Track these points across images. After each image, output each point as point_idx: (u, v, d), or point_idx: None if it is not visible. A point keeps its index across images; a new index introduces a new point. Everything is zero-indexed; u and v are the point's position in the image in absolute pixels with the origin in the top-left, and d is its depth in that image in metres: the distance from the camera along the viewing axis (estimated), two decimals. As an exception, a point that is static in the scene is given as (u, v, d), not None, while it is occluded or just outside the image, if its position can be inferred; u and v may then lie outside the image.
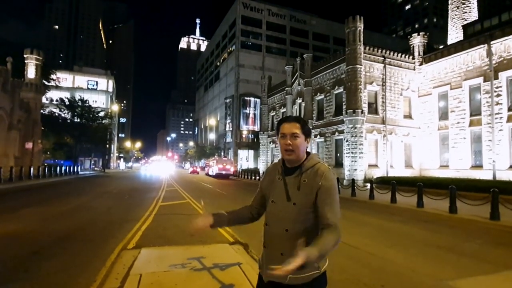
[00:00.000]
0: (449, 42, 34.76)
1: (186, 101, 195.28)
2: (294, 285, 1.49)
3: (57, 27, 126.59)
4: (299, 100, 30.73)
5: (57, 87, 43.48)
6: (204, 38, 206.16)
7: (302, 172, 1.58)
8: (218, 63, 73.76)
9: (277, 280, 1.50)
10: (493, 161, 19.28)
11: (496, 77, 19.53)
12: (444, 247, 5.93)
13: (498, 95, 19.50)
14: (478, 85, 20.75)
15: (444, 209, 9.68)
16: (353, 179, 15.85)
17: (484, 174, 19.32)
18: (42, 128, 31.90)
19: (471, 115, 21.27)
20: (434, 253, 5.56)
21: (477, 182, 15.31)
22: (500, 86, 19.40)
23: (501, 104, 19.39)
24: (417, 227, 8.06)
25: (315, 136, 27.69)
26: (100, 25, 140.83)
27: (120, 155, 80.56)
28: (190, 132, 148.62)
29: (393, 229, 7.78)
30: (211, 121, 67.84)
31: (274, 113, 37.37)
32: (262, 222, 1.68)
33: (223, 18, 71.11)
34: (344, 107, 23.67)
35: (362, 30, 22.95)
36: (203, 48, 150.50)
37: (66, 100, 41.55)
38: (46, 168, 25.76)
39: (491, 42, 19.77)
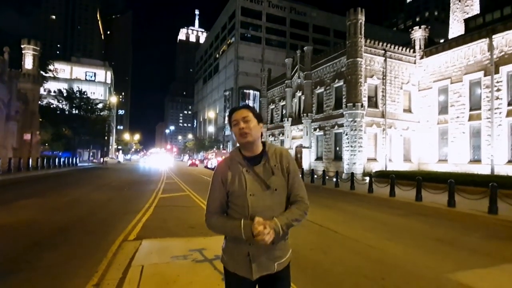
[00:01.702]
0: (451, 35, 34.51)
1: (185, 93, 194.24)
2: (277, 274, 1.57)
3: (54, 17, 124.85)
4: (298, 93, 30.60)
5: (54, 78, 43.13)
6: (203, 30, 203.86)
7: (269, 158, 1.60)
8: (217, 55, 73.19)
9: (266, 272, 1.56)
10: (492, 155, 19.36)
11: (497, 72, 19.47)
12: (443, 240, 5.98)
13: (498, 90, 19.46)
14: (479, 80, 20.70)
15: (443, 203, 9.73)
16: (352, 173, 15.90)
17: (482, 169, 19.42)
18: (40, 119, 31.74)
19: (470, 110, 21.27)
20: (433, 246, 5.61)
21: (475, 176, 15.38)
22: (501, 81, 19.36)
23: (501, 99, 19.37)
24: (416, 220, 8.12)
25: (315, 129, 27.67)
26: (98, 16, 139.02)
27: (119, 147, 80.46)
28: (189, 125, 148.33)
29: (392, 222, 7.83)
30: (210, 114, 67.65)
31: (273, 106, 37.24)
32: None
33: (222, 9, 70.30)
34: (344, 100, 23.60)
35: (363, 22, 22.74)
36: (202, 40, 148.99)
37: (64, 91, 41.23)
38: (45, 160, 25.71)
39: (493, 36, 19.64)
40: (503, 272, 4.29)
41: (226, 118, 1.76)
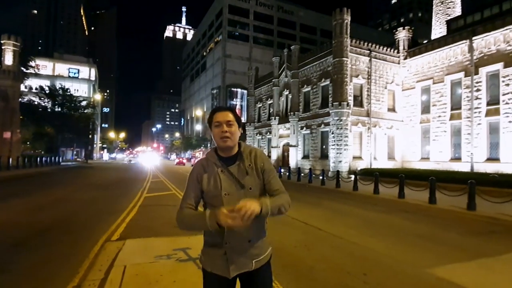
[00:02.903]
0: (433, 37, 35.39)
1: (171, 91, 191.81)
2: (257, 271, 1.59)
3: (35, 11, 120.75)
4: (286, 92, 30.75)
5: (36, 75, 41.75)
6: (190, 27, 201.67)
7: (244, 158, 1.63)
8: (204, 53, 72.62)
9: (244, 270, 1.57)
10: (471, 153, 20.02)
11: (477, 73, 20.12)
12: (423, 236, 6.15)
13: (478, 90, 20.12)
14: (459, 80, 21.34)
15: (424, 200, 10.01)
16: (338, 171, 16.11)
17: (462, 166, 20.08)
18: (21, 117, 30.74)
19: (451, 109, 21.91)
20: (414, 242, 5.77)
21: (455, 174, 15.91)
22: (480, 81, 20.02)
23: (480, 98, 20.04)
24: (399, 217, 8.32)
25: (301, 128, 27.89)
26: (82, 11, 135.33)
27: (104, 145, 78.79)
28: (176, 123, 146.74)
29: (375, 219, 7.99)
30: (198, 112, 67.11)
31: (261, 105, 37.28)
32: None
33: (209, 7, 69.74)
34: (330, 99, 23.87)
35: (349, 22, 23.03)
36: (189, 37, 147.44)
37: (46, 88, 40.04)
38: (26, 159, 24.93)
39: (473, 38, 20.28)
40: (480, 266, 4.46)
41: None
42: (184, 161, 50.95)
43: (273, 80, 32.88)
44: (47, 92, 39.60)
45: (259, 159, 1.64)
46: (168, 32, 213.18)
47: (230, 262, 1.55)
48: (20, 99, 30.85)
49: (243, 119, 53.20)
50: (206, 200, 1.64)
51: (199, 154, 39.29)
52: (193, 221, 1.56)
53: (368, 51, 24.20)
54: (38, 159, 27.40)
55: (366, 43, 24.24)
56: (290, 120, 28.74)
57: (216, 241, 1.57)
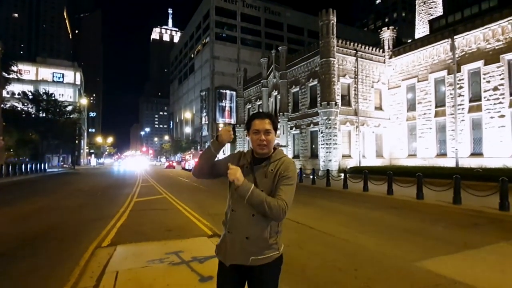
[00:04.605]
0: (417, 36, 36.22)
1: (160, 94, 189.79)
2: (255, 267, 1.65)
3: (16, 15, 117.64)
4: (274, 93, 30.89)
5: (19, 80, 40.76)
6: (177, 29, 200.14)
7: (270, 162, 1.72)
8: (192, 55, 72.20)
9: (239, 263, 1.66)
10: (456, 149, 20.55)
11: (459, 70, 20.70)
12: (411, 231, 6.30)
13: (461, 87, 20.69)
14: (443, 78, 21.90)
15: (412, 196, 10.24)
16: (327, 170, 16.30)
17: (448, 162, 20.59)
18: (4, 123, 29.88)
19: (436, 106, 22.45)
20: (402, 236, 5.91)
21: (441, 169, 16.32)
22: (462, 79, 20.59)
23: (463, 95, 20.61)
24: (388, 213, 8.49)
25: (291, 128, 28.06)
26: (65, 14, 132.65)
27: (91, 151, 77.33)
28: (165, 126, 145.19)
29: (365, 216, 8.13)
30: (187, 115, 66.62)
31: (250, 106, 37.34)
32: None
33: (196, 8, 69.40)
34: (318, 99, 24.12)
35: (335, 23, 23.34)
36: (176, 40, 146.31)
37: (30, 93, 39.05)
38: (10, 166, 24.25)
39: (454, 37, 20.85)
40: (466, 257, 4.62)
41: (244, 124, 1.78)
42: (174, 164, 50.54)
43: (261, 81, 32.98)
44: (30, 97, 38.62)
45: (284, 167, 1.69)
46: (155, 35, 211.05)
47: (229, 251, 1.69)
48: (2, 105, 30.00)
49: (233, 121, 53.21)
50: (228, 187, 1.79)
51: (189, 157, 39.01)
52: (202, 153, 1.84)
53: (355, 51, 24.56)
54: (23, 166, 26.68)
55: (352, 43, 24.61)
56: (279, 120, 28.87)
57: (225, 229, 1.75)
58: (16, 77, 37.80)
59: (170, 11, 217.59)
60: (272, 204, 1.56)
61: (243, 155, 1.84)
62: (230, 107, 56.11)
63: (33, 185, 18.33)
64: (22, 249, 5.09)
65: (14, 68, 37.02)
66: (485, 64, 19.27)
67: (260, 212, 1.59)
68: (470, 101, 20.36)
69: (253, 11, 62.93)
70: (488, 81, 19.21)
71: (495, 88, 18.87)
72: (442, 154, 21.94)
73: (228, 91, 55.99)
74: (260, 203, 1.56)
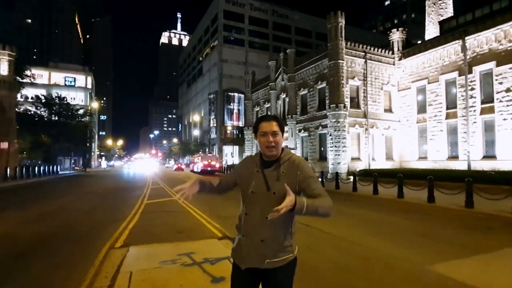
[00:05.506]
0: (427, 37, 35.77)
1: (168, 97, 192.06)
2: (270, 270, 1.67)
3: (29, 21, 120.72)
4: (283, 95, 30.92)
5: (32, 84, 41.69)
6: (185, 33, 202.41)
7: (280, 164, 1.74)
8: (200, 58, 72.84)
9: (255, 266, 1.68)
10: (468, 152, 20.19)
11: (470, 72, 20.37)
12: (423, 235, 6.24)
13: (472, 89, 20.36)
14: (454, 79, 21.58)
15: (423, 199, 10.12)
16: (336, 172, 16.21)
17: (459, 165, 20.24)
18: (18, 127, 30.64)
19: (447, 108, 22.13)
20: (414, 240, 5.86)
21: (453, 172, 16.04)
22: (474, 80, 20.26)
23: (475, 97, 20.27)
24: (398, 216, 8.41)
25: (299, 130, 28.01)
26: (76, 19, 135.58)
27: (101, 153, 78.53)
28: (174, 129, 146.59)
29: (376, 219, 8.08)
30: (195, 117, 67.13)
31: (258, 109, 37.43)
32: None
33: (204, 12, 70.14)
34: (327, 101, 24.02)
35: (343, 25, 23.27)
36: (185, 43, 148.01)
37: (43, 97, 39.95)
38: (24, 169, 24.84)
39: (466, 38, 20.55)
40: (478, 261, 4.56)
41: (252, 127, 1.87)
42: (183, 166, 50.91)
43: (270, 84, 33.05)
44: (43, 101, 39.50)
45: (296, 167, 1.72)
46: (164, 39, 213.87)
47: (244, 255, 1.71)
48: (16, 109, 30.80)
49: (241, 123, 53.39)
50: (241, 192, 1.82)
51: (198, 160, 39.26)
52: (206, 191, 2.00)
53: (363, 53, 24.43)
54: (36, 169, 27.28)
55: (361, 45, 24.48)
56: (288, 123, 28.86)
57: (240, 233, 1.79)
58: (29, 81, 38.72)
59: (179, 15, 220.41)
60: (323, 203, 1.62)
61: (251, 158, 1.88)
62: (238, 110, 56.33)
63: (46, 187, 18.73)
64: (39, 250, 5.24)
65: (28, 72, 37.94)
66: (497, 65, 18.92)
67: (314, 215, 1.61)
68: (482, 102, 20.01)
69: (261, 14, 63.23)
70: (501, 83, 18.85)
71: (508, 90, 18.51)
72: (454, 157, 21.58)
73: (236, 94, 56.25)
74: (315, 210, 1.59)
